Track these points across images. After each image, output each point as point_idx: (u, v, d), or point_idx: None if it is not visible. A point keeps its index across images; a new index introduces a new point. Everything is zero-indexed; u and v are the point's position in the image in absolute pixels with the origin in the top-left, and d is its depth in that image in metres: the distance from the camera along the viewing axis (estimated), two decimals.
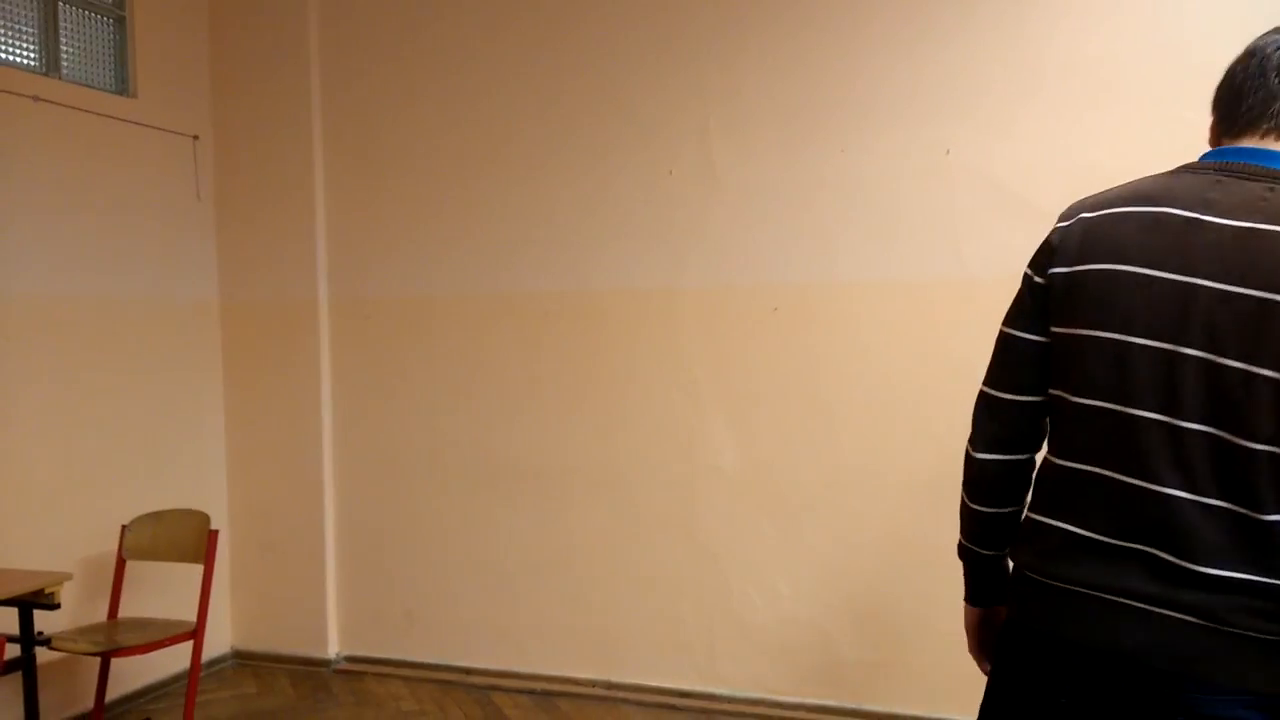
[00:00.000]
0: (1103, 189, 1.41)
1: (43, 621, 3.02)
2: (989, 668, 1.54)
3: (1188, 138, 3.03)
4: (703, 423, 3.69)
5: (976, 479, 1.52)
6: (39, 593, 2.86)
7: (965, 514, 1.56)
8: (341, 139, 4.19)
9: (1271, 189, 1.27)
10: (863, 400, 3.48)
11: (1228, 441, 1.23)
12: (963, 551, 1.60)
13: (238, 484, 4.40)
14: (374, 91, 4.13)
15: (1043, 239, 1.43)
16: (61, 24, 3.74)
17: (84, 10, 3.84)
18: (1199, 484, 1.25)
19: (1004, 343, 1.47)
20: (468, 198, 4.00)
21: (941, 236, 3.36)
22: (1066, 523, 1.36)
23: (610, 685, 3.82)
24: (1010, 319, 1.46)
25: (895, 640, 3.46)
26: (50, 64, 3.70)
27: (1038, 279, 1.40)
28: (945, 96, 3.33)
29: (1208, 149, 1.42)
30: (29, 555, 3.36)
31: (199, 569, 3.50)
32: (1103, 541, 1.32)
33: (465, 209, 4.01)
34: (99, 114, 3.79)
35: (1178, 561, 1.25)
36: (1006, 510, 1.51)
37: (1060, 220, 1.42)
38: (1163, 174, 1.39)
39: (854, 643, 3.51)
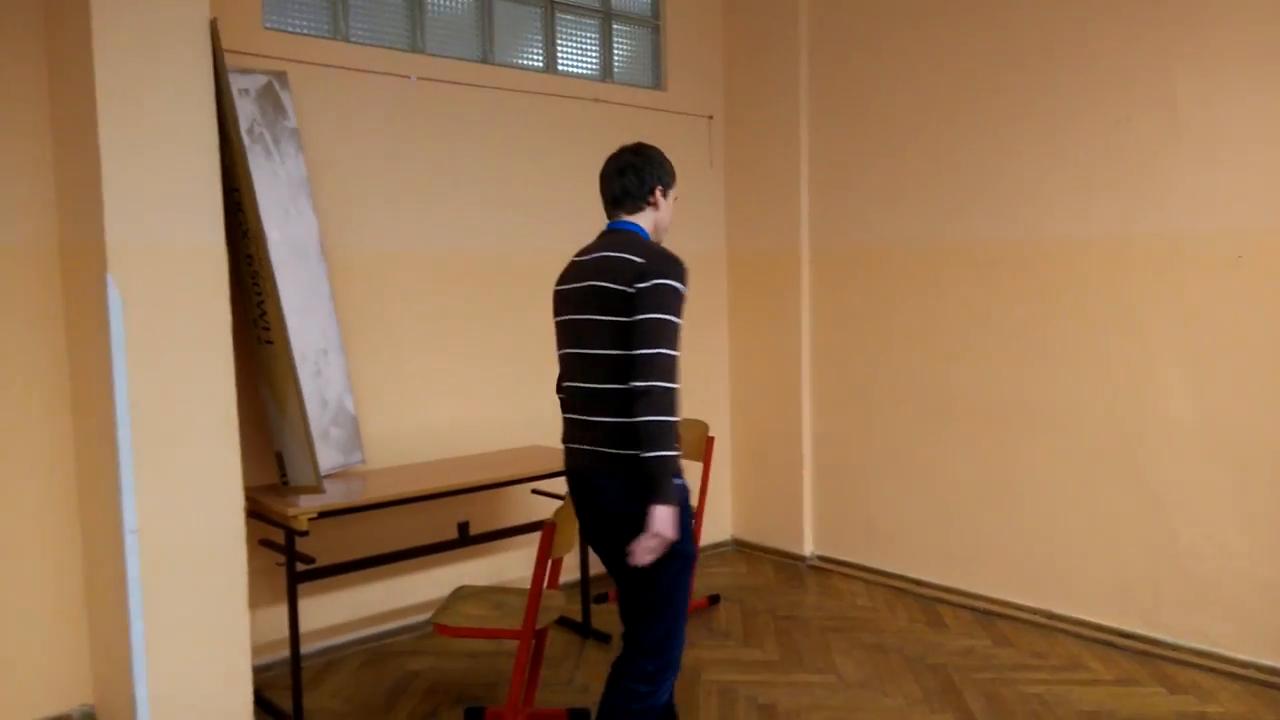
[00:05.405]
0: None
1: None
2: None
3: None
4: (1153, 371, 3.65)
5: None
6: None
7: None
8: (822, 115, 4.79)
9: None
10: None
11: None
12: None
13: (738, 403, 5.32)
14: (849, 75, 4.65)
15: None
16: (615, 39, 4.83)
17: (630, 25, 4.91)
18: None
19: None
20: (927, 157, 4.35)
21: None
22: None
23: (1050, 615, 4.01)
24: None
25: None
26: (606, 71, 4.81)
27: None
28: None
29: None
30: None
31: (699, 466, 4.42)
32: None
33: (925, 168, 4.37)
34: (640, 107, 4.84)
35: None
36: None
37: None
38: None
39: None
